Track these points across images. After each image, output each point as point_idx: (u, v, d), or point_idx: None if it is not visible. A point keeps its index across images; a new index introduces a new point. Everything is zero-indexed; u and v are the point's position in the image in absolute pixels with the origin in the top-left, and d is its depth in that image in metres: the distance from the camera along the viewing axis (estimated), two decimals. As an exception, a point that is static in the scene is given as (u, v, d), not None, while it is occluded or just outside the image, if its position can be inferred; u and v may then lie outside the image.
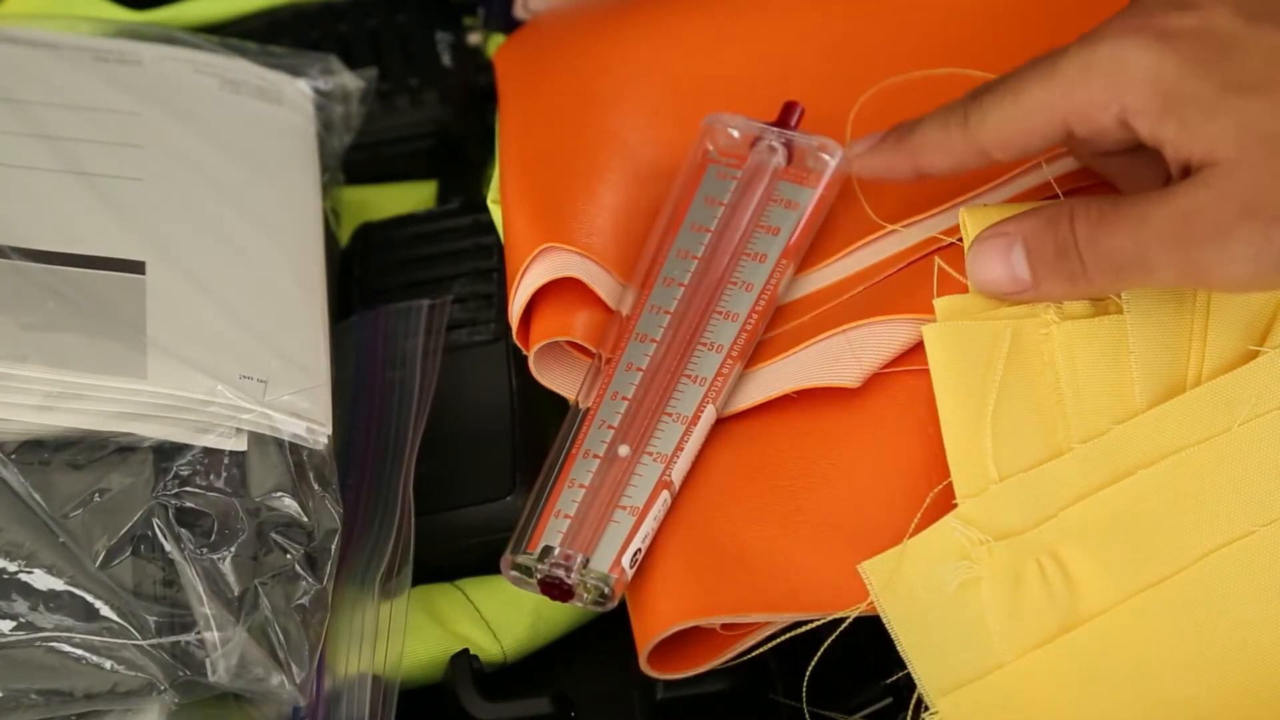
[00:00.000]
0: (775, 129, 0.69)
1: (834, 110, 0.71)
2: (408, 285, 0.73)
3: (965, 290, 0.63)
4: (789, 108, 0.69)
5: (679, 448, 0.63)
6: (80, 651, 0.60)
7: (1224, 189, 0.53)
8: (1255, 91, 0.54)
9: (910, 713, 0.60)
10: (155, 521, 0.61)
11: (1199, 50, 0.54)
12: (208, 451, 0.62)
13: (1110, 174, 0.61)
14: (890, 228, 0.66)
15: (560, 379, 0.67)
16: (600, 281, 0.66)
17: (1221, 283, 0.55)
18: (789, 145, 0.68)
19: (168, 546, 0.61)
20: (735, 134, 0.69)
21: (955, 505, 0.60)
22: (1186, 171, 0.55)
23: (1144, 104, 0.55)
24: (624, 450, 0.63)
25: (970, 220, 0.63)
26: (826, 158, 0.68)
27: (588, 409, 0.64)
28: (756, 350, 0.65)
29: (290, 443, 0.63)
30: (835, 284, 0.67)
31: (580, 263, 0.66)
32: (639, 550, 0.62)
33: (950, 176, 0.62)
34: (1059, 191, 0.64)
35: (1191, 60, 0.54)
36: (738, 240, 0.67)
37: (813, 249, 0.67)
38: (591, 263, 0.66)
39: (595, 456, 0.63)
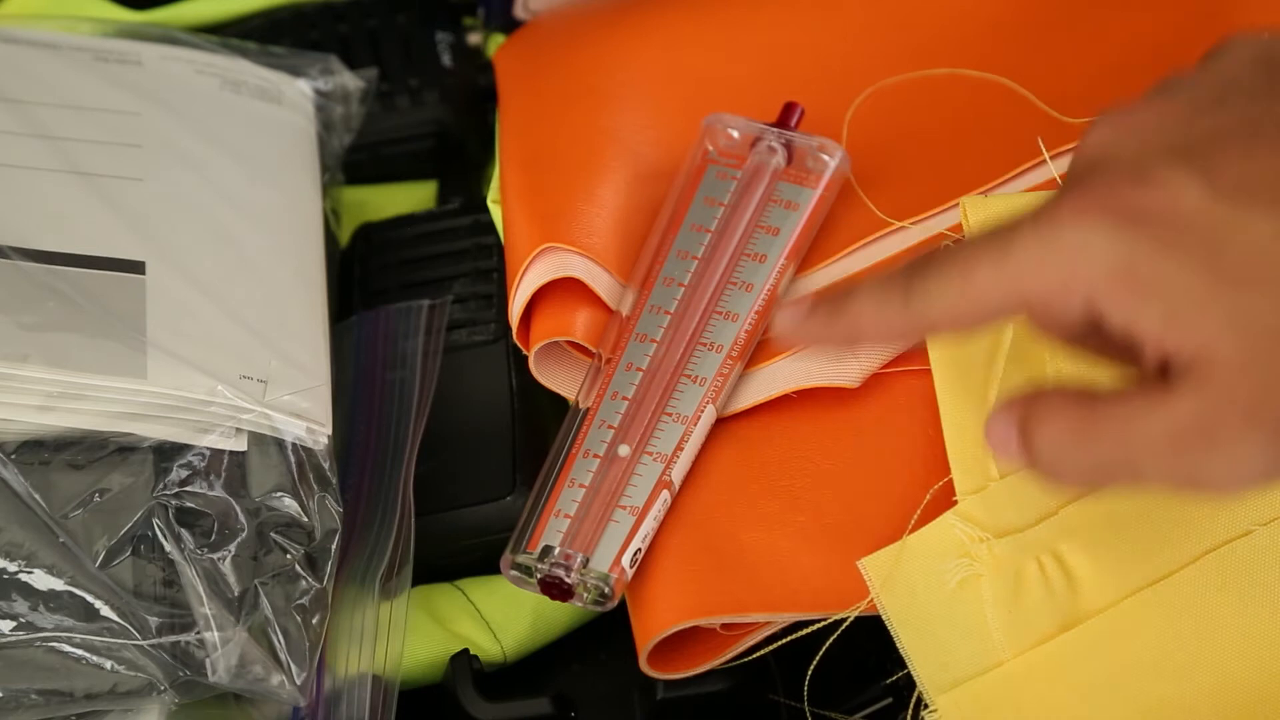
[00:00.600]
0: (775, 129, 0.69)
1: (834, 111, 0.71)
2: (408, 285, 0.73)
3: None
4: (789, 108, 0.70)
5: (679, 448, 0.63)
6: (80, 651, 0.60)
7: (1225, 393, 0.47)
8: (1251, 285, 0.47)
9: (910, 712, 0.60)
10: (155, 521, 0.61)
11: (1175, 235, 0.48)
12: (208, 452, 0.62)
13: (1077, 348, 0.54)
14: (894, 225, 0.66)
15: (560, 379, 0.67)
16: (600, 281, 0.66)
17: (1224, 490, 0.49)
18: (789, 146, 0.68)
19: (168, 546, 0.61)
20: (735, 134, 0.69)
21: (955, 503, 0.60)
22: (1167, 365, 0.48)
23: (1117, 294, 0.48)
24: (624, 450, 0.63)
25: (971, 210, 0.63)
26: (826, 158, 0.68)
27: (588, 409, 0.64)
28: (757, 350, 0.65)
29: (290, 443, 0.63)
30: (835, 284, 0.67)
31: (580, 263, 0.66)
32: (639, 550, 0.62)
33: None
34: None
35: (1169, 246, 0.47)
36: (738, 240, 0.67)
37: (813, 249, 0.68)
38: (591, 263, 0.66)
39: (595, 456, 0.63)
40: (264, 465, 0.63)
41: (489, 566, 0.65)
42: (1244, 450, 0.47)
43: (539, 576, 0.61)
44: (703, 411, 0.64)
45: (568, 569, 0.61)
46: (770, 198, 0.68)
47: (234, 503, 0.62)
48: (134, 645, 0.60)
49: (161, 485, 0.61)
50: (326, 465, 0.64)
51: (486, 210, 0.72)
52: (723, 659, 0.61)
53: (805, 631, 0.60)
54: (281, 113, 0.73)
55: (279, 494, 0.62)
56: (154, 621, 0.60)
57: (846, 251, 0.67)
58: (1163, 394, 0.48)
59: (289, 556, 0.62)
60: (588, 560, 0.61)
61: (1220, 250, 0.47)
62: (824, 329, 0.54)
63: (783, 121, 0.69)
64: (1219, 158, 0.48)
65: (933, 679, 0.59)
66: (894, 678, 0.61)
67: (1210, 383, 0.47)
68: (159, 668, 0.60)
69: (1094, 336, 0.50)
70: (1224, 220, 0.48)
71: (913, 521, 0.60)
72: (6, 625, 0.60)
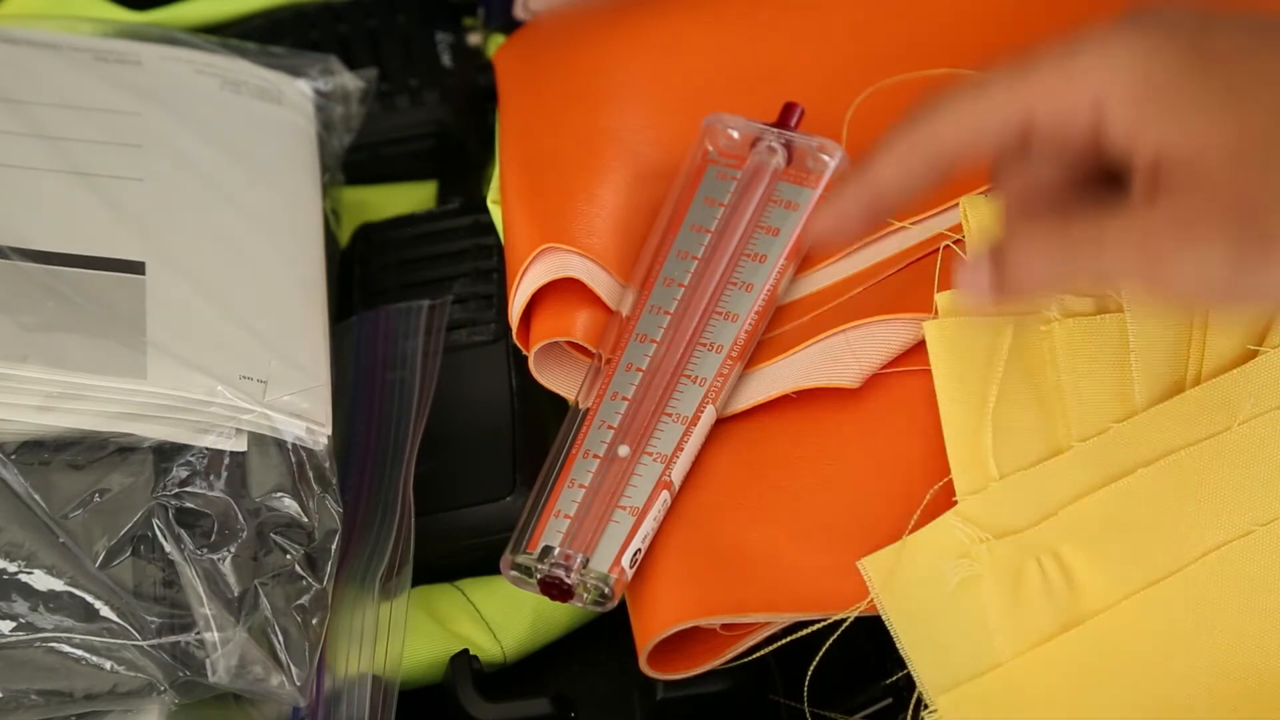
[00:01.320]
0: (775, 130, 0.69)
1: (834, 111, 0.71)
2: (408, 285, 0.73)
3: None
4: (788, 108, 0.70)
5: (679, 448, 0.63)
6: (80, 652, 0.60)
7: (1210, 188, 0.50)
8: (1261, 100, 0.50)
9: (910, 713, 0.60)
10: (155, 522, 0.61)
11: (1198, 55, 0.51)
12: (208, 452, 0.62)
13: (1065, 192, 0.55)
14: (895, 226, 0.66)
15: (560, 379, 0.67)
16: (600, 282, 0.66)
17: (1187, 293, 0.51)
18: (789, 146, 0.68)
19: (168, 547, 0.61)
20: (735, 135, 0.69)
21: (955, 503, 0.60)
22: (1155, 176, 0.50)
23: (1128, 96, 0.51)
24: (624, 450, 0.63)
25: (970, 210, 0.63)
26: (826, 158, 0.68)
27: (587, 409, 0.64)
28: (756, 350, 0.66)
29: (290, 443, 0.63)
30: (835, 284, 0.67)
31: (580, 263, 0.66)
32: (639, 550, 0.62)
33: (908, 201, 0.56)
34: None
35: (1189, 61, 0.50)
36: (737, 241, 0.67)
37: (813, 249, 0.67)
38: (591, 263, 0.66)
39: (595, 456, 0.63)
40: (264, 465, 0.63)
41: (489, 567, 0.65)
42: (1213, 249, 0.49)
43: (539, 577, 0.61)
44: (703, 412, 0.64)
45: (568, 569, 0.61)
46: (770, 198, 0.68)
47: (234, 503, 0.62)
48: (134, 646, 0.60)
49: (161, 485, 0.61)
50: (326, 465, 0.64)
51: (486, 210, 0.72)
52: (723, 659, 0.61)
53: (805, 631, 0.60)
54: (281, 113, 0.73)
55: (279, 494, 0.62)
56: (154, 622, 0.60)
57: (846, 252, 0.67)
58: (1144, 200, 0.50)
59: (289, 557, 0.62)
60: (587, 560, 0.61)
61: (1240, 72, 0.50)
62: (853, 191, 0.55)
63: (782, 122, 0.69)
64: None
65: (933, 679, 0.59)
66: (894, 678, 0.61)
67: (1198, 180, 0.49)
68: (159, 668, 0.60)
69: (1087, 167, 0.52)
70: (1246, 43, 0.50)
71: (913, 521, 0.60)
72: (6, 625, 0.60)
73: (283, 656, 0.61)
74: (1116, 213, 0.51)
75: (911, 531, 0.60)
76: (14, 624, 0.60)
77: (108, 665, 0.60)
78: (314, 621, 0.62)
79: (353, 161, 0.77)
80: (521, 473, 0.68)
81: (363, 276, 0.74)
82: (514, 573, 0.62)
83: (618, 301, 0.66)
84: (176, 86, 0.72)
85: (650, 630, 0.61)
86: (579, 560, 0.61)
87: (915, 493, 0.61)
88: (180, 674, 0.60)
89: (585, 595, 0.61)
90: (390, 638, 0.64)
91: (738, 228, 0.67)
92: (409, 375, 0.69)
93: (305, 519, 0.62)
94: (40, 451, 0.61)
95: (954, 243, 0.65)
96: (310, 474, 0.63)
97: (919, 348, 0.63)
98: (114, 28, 0.76)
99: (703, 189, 0.68)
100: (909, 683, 0.60)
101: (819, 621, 0.60)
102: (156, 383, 0.62)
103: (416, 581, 0.66)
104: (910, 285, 0.65)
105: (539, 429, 0.69)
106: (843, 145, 0.68)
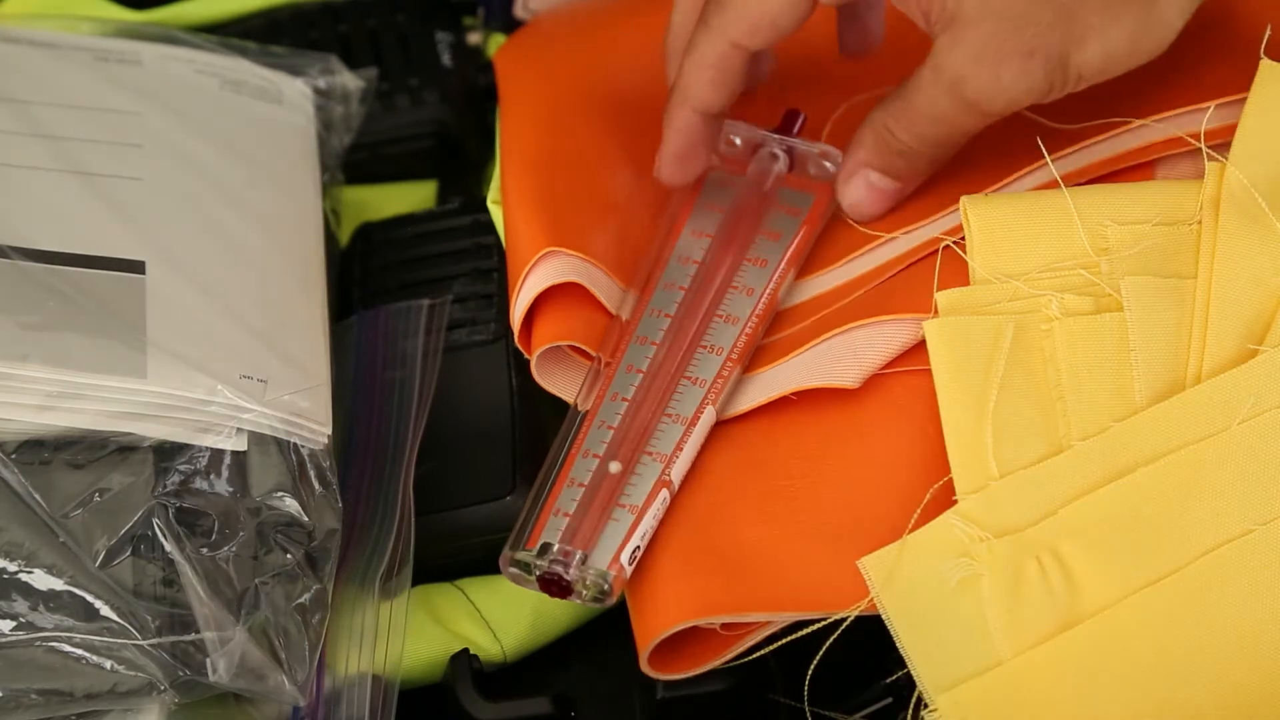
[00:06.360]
0: (777, 136, 0.69)
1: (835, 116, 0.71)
2: (407, 285, 0.73)
3: (966, 284, 0.63)
4: (791, 115, 0.70)
5: (678, 447, 0.63)
6: (80, 651, 0.60)
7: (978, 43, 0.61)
8: None
9: (910, 712, 0.60)
10: (155, 521, 0.61)
11: None
12: (208, 451, 0.62)
13: None
14: (896, 233, 0.66)
15: (560, 382, 0.66)
16: (601, 286, 0.66)
17: (1003, 106, 0.63)
18: (790, 152, 0.68)
19: (168, 546, 0.61)
20: (737, 141, 0.69)
21: (955, 503, 0.60)
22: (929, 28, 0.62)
23: None
24: (614, 467, 0.63)
25: (971, 208, 0.63)
26: (828, 165, 0.68)
27: (587, 411, 0.64)
28: (757, 355, 0.66)
29: (290, 442, 0.63)
30: (836, 289, 0.67)
31: (582, 267, 0.66)
32: (638, 547, 0.62)
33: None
34: (1063, 187, 0.64)
35: None
36: (739, 246, 0.67)
37: (814, 254, 0.68)
38: (593, 267, 0.66)
39: (595, 456, 0.63)
40: (264, 465, 0.63)
41: (489, 566, 0.65)
42: (1007, 71, 0.62)
43: (538, 573, 0.61)
44: (702, 412, 0.64)
45: (566, 565, 0.61)
46: (772, 204, 0.68)
47: (234, 502, 0.62)
48: (134, 645, 0.60)
49: (162, 485, 0.61)
50: (326, 465, 0.64)
51: (486, 210, 0.72)
52: (723, 659, 0.61)
53: (805, 631, 0.60)
54: (281, 112, 0.73)
55: (279, 493, 0.62)
56: (154, 621, 0.60)
57: (849, 258, 0.67)
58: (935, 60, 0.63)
59: (289, 556, 0.62)
60: (586, 557, 0.61)
61: None
62: None
63: (784, 128, 0.69)
64: None
65: (932, 678, 0.59)
66: (894, 678, 0.61)
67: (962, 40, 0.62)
68: (159, 667, 0.60)
69: None
70: None
71: (913, 521, 0.60)
72: (6, 625, 0.59)
73: (283, 656, 0.61)
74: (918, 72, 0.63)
75: (911, 531, 0.60)
76: (14, 623, 0.60)
77: (108, 664, 0.60)
78: (314, 621, 0.62)
79: (353, 161, 0.77)
80: (521, 472, 0.68)
81: (362, 276, 0.75)
82: (513, 569, 0.62)
83: (618, 305, 0.66)
84: (176, 86, 0.72)
85: (651, 630, 0.61)
86: (578, 557, 0.61)
87: (915, 492, 0.61)
88: (180, 673, 0.60)
89: (584, 592, 0.61)
90: (390, 637, 0.64)
91: (739, 234, 0.67)
92: (409, 375, 0.69)
93: (305, 518, 0.62)
94: (40, 451, 0.61)
95: (954, 243, 0.65)
96: (310, 473, 0.63)
97: (919, 348, 0.63)
98: (114, 27, 0.76)
99: (704, 194, 0.68)
100: (909, 682, 0.60)
101: (819, 621, 0.60)
102: (156, 382, 0.62)
103: (416, 581, 0.66)
104: (910, 285, 0.65)
105: (539, 428, 0.69)
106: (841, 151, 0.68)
